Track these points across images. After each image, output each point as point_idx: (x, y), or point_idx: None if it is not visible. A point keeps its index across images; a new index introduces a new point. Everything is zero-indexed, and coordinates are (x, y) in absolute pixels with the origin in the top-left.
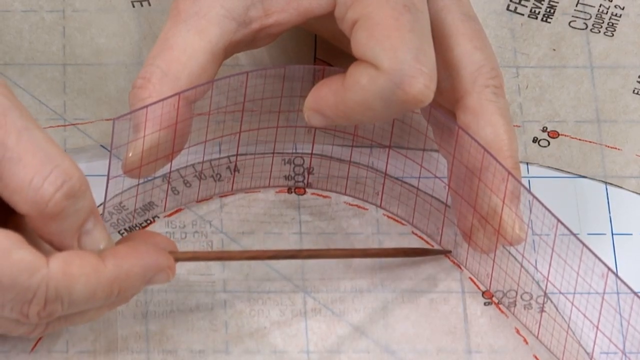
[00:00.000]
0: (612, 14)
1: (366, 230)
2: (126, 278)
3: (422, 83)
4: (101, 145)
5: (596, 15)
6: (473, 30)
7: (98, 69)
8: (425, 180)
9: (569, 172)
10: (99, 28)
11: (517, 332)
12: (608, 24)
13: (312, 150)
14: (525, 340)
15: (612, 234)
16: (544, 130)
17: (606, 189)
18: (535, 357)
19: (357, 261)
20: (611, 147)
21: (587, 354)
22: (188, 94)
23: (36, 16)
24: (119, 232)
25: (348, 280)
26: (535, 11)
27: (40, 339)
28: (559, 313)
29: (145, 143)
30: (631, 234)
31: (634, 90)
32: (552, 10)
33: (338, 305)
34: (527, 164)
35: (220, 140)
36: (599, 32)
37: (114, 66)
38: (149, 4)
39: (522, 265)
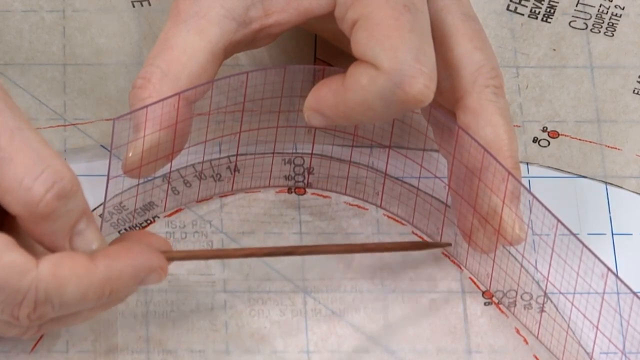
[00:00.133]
0: (612, 14)
1: (366, 230)
2: (118, 279)
3: (422, 83)
4: (101, 145)
5: (596, 15)
6: (473, 30)
7: (98, 69)
8: (425, 180)
9: (569, 172)
10: (99, 28)
11: (517, 332)
12: (608, 24)
13: (312, 150)
14: (525, 340)
15: (612, 234)
16: (544, 130)
17: (606, 189)
18: (535, 357)
19: (357, 261)
20: (611, 147)
21: (587, 354)
22: (188, 94)
23: (36, 16)
24: (119, 232)
25: (348, 280)
26: (535, 11)
27: (40, 338)
28: (559, 313)
29: (146, 143)
30: (631, 234)
31: (634, 90)
32: (552, 10)
33: (338, 305)
34: (527, 164)
35: (220, 140)
36: (599, 32)
37: (114, 66)
38: (149, 4)
39: (522, 265)
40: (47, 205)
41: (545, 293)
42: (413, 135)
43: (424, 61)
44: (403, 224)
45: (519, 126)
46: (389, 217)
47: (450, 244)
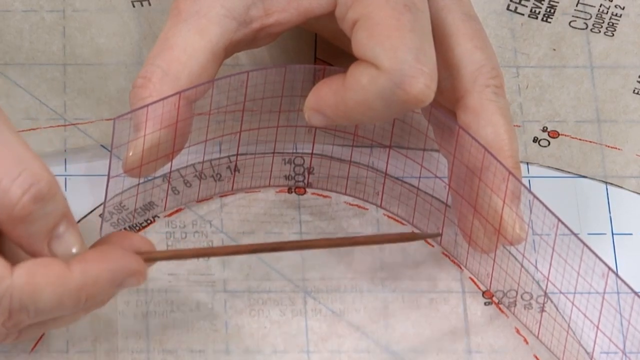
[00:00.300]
0: (612, 14)
1: (366, 230)
2: (93, 285)
3: (422, 83)
4: (101, 145)
5: (596, 15)
6: (474, 29)
7: (98, 68)
8: (425, 180)
9: (569, 172)
10: (99, 28)
11: (518, 332)
12: (608, 24)
13: (312, 150)
14: (525, 340)
15: (613, 234)
16: (544, 130)
17: (606, 188)
18: (536, 357)
19: (357, 261)
20: (611, 147)
21: (588, 353)
22: (188, 94)
23: (36, 16)
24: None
25: (348, 280)
26: (535, 11)
27: (40, 338)
28: (559, 313)
29: (146, 142)
30: (631, 234)
31: (634, 90)
32: (552, 10)
33: (338, 305)
34: (527, 163)
35: (220, 140)
36: (599, 32)
37: (114, 66)
38: (149, 4)
39: (522, 265)
40: (23, 208)
41: (545, 293)
42: (413, 135)
43: (424, 61)
44: (403, 224)
45: (519, 126)
46: (389, 217)
47: (439, 234)
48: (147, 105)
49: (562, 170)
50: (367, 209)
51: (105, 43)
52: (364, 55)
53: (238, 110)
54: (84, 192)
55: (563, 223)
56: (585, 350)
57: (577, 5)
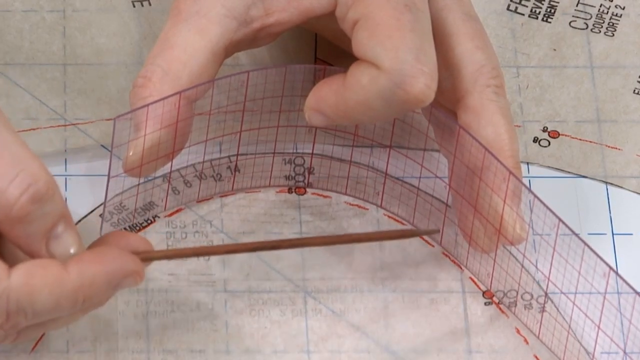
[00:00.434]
0: (612, 14)
1: (367, 230)
2: (90, 286)
3: (423, 83)
4: (102, 145)
5: (597, 15)
6: (474, 29)
7: (98, 68)
8: (426, 180)
9: (569, 172)
10: (99, 28)
11: (518, 332)
12: (608, 24)
13: (312, 150)
14: (525, 340)
15: (613, 234)
16: (545, 130)
17: (607, 189)
18: (536, 357)
19: (357, 261)
20: (611, 147)
21: (588, 353)
22: (189, 93)
23: (37, 16)
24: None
25: (348, 280)
26: (535, 11)
27: (40, 338)
28: (560, 313)
29: (146, 142)
30: (632, 234)
31: (634, 90)
32: (552, 10)
33: (338, 305)
34: (528, 163)
35: (220, 140)
36: (600, 32)
37: (115, 66)
38: (150, 4)
39: (522, 265)
40: (21, 209)
41: (546, 293)
42: (414, 135)
43: (424, 61)
44: (403, 224)
45: (520, 126)
46: (389, 217)
47: (438, 231)
48: (147, 105)
49: (563, 170)
50: (367, 209)
51: (105, 43)
52: (365, 55)
53: (238, 110)
54: (84, 192)
55: (564, 223)
56: (586, 350)
57: (577, 5)
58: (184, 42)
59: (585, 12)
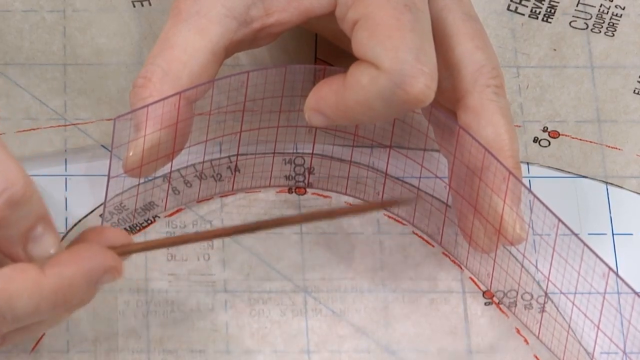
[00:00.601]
0: (612, 14)
1: (367, 230)
2: (69, 287)
3: (422, 83)
4: (102, 145)
5: (597, 15)
6: (474, 29)
7: (98, 68)
8: (426, 180)
9: (569, 172)
10: (99, 28)
11: (518, 332)
12: (609, 24)
13: (312, 150)
14: (525, 340)
15: (613, 234)
16: (545, 130)
17: (607, 189)
18: (536, 357)
19: (357, 261)
20: (612, 147)
21: (588, 354)
22: (189, 94)
23: (37, 16)
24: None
25: (349, 280)
26: (535, 11)
27: (40, 338)
28: (560, 313)
29: (146, 142)
30: (632, 234)
31: (634, 90)
32: (552, 10)
33: (338, 305)
34: (528, 163)
35: (220, 140)
36: (600, 32)
37: (115, 66)
38: (150, 4)
39: (522, 265)
40: None
41: (546, 293)
42: (414, 135)
43: (424, 61)
44: (404, 224)
45: (520, 126)
46: (389, 217)
47: (412, 199)
48: (147, 105)
49: (563, 171)
50: None
51: (105, 43)
52: (365, 55)
53: (238, 111)
54: (84, 192)
55: (563, 223)
56: (586, 351)
57: (577, 6)
58: (184, 42)
59: (586, 12)
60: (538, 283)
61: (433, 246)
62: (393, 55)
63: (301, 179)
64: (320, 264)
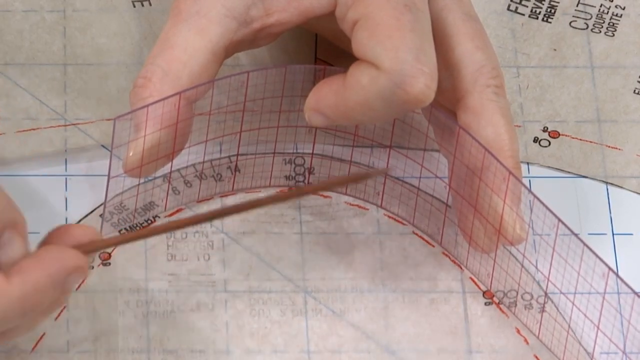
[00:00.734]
0: (612, 14)
1: (367, 230)
2: (35, 292)
3: (422, 83)
4: (102, 145)
5: (597, 15)
6: (474, 29)
7: (99, 68)
8: (426, 180)
9: (569, 172)
10: (99, 28)
11: (518, 332)
12: (609, 24)
13: (312, 150)
14: (525, 340)
15: (613, 234)
16: (545, 130)
17: (607, 189)
18: (536, 357)
19: (357, 261)
20: (612, 147)
21: (588, 354)
22: (189, 94)
23: (37, 16)
24: (119, 232)
25: (349, 280)
26: (536, 11)
27: (40, 338)
28: (560, 313)
29: (146, 142)
30: (632, 234)
31: (634, 90)
32: (552, 10)
33: (339, 305)
34: (528, 163)
35: (220, 140)
36: (600, 32)
37: (115, 66)
38: (150, 4)
39: (522, 265)
40: None
41: (546, 293)
42: (414, 135)
43: (424, 61)
44: (404, 224)
45: (520, 126)
46: (389, 217)
47: (387, 171)
48: (147, 106)
49: (563, 171)
50: (367, 209)
51: (105, 43)
52: (365, 55)
53: (238, 111)
54: (84, 192)
55: (563, 223)
56: (586, 351)
57: (577, 6)
58: (184, 42)
59: (586, 12)
60: (538, 283)
61: (433, 246)
62: (393, 55)
63: (301, 179)
64: (320, 264)
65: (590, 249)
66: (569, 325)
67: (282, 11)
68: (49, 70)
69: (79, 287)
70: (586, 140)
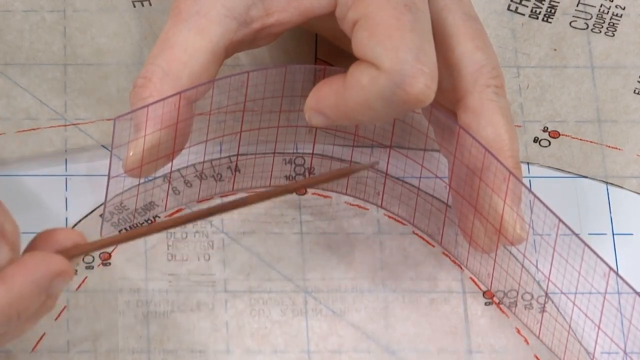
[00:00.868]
0: (613, 14)
1: (367, 230)
2: (19, 300)
3: (423, 83)
4: (102, 145)
5: (597, 15)
6: (474, 29)
7: (99, 68)
8: (426, 180)
9: (569, 172)
10: (99, 28)
11: (518, 332)
12: (609, 24)
13: (312, 150)
14: (526, 340)
15: (613, 234)
16: (545, 130)
17: (607, 189)
18: (536, 357)
19: (357, 261)
20: (612, 147)
21: (589, 353)
22: (189, 94)
23: (37, 16)
24: (119, 232)
25: (349, 280)
26: (536, 11)
27: (41, 338)
28: (560, 313)
29: (146, 142)
30: (632, 234)
31: (634, 90)
32: (553, 10)
33: (339, 305)
34: (528, 163)
35: (221, 140)
36: (600, 32)
37: (115, 66)
38: (150, 4)
39: (523, 265)
40: None
41: (546, 293)
42: (414, 135)
43: (424, 61)
44: (404, 224)
45: (520, 126)
46: (389, 217)
47: (376, 163)
48: (147, 105)
49: (563, 171)
50: (367, 209)
51: (105, 43)
52: (365, 55)
53: (238, 111)
54: (84, 192)
55: (564, 223)
56: (587, 351)
57: (577, 6)
58: (184, 42)
59: (586, 12)
60: (538, 283)
61: (433, 246)
62: (393, 55)
63: (301, 179)
64: (321, 264)
65: (591, 249)
66: (570, 325)
67: (282, 11)
68: (49, 70)
69: (78, 287)
70: (586, 140)
